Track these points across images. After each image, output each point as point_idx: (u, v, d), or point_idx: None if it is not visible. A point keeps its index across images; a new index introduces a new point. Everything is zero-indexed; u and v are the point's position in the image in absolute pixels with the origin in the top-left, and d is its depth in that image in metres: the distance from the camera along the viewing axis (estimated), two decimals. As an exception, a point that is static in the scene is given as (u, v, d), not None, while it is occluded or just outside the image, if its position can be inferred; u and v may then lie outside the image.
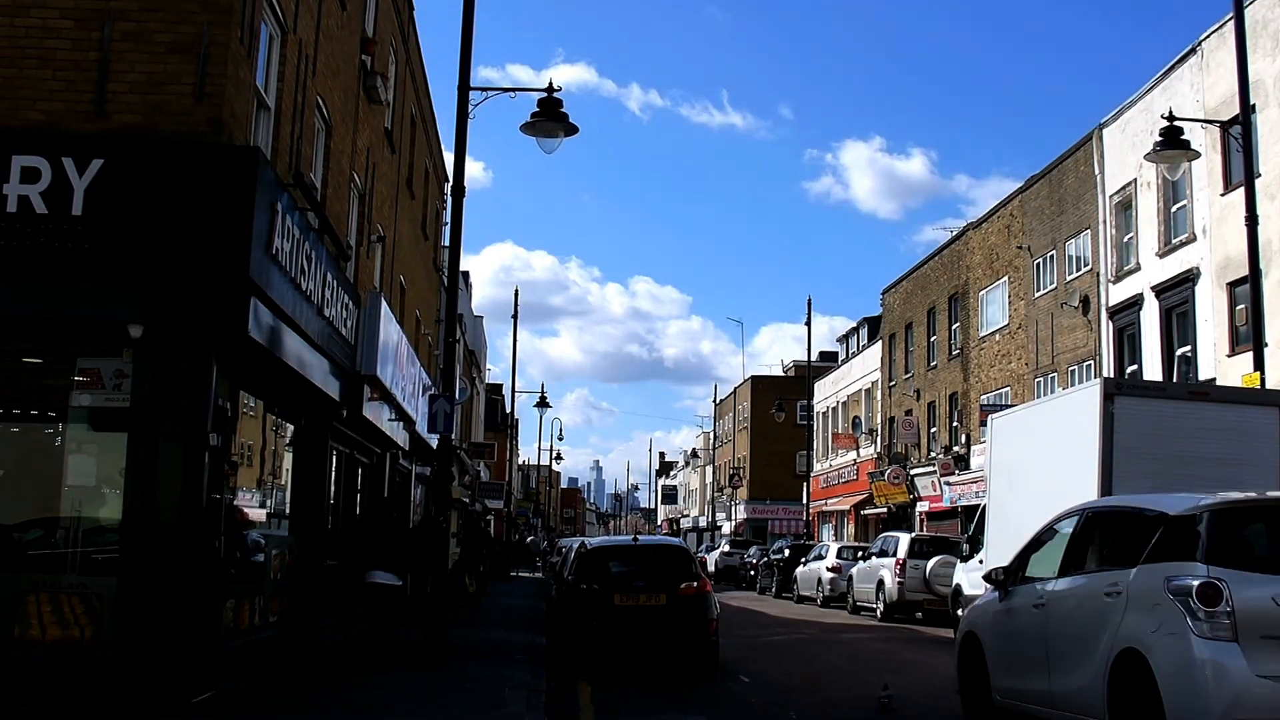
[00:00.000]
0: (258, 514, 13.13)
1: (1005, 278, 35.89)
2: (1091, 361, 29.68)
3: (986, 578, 11.37)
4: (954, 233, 42.12)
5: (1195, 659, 7.68)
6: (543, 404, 57.35)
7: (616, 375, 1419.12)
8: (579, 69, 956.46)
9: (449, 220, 16.69)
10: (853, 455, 51.83)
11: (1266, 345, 18.37)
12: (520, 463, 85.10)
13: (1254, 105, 20.66)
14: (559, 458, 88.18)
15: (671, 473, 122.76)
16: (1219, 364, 23.76)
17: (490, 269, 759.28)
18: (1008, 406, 28.56)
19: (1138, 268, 27.66)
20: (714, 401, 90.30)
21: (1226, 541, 8.21)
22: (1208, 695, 7.58)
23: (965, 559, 21.95)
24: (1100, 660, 8.57)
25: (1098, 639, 8.66)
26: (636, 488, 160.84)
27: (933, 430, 42.02)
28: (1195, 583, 7.81)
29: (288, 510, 14.22)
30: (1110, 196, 29.15)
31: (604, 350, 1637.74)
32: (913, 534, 30.15)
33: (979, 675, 10.72)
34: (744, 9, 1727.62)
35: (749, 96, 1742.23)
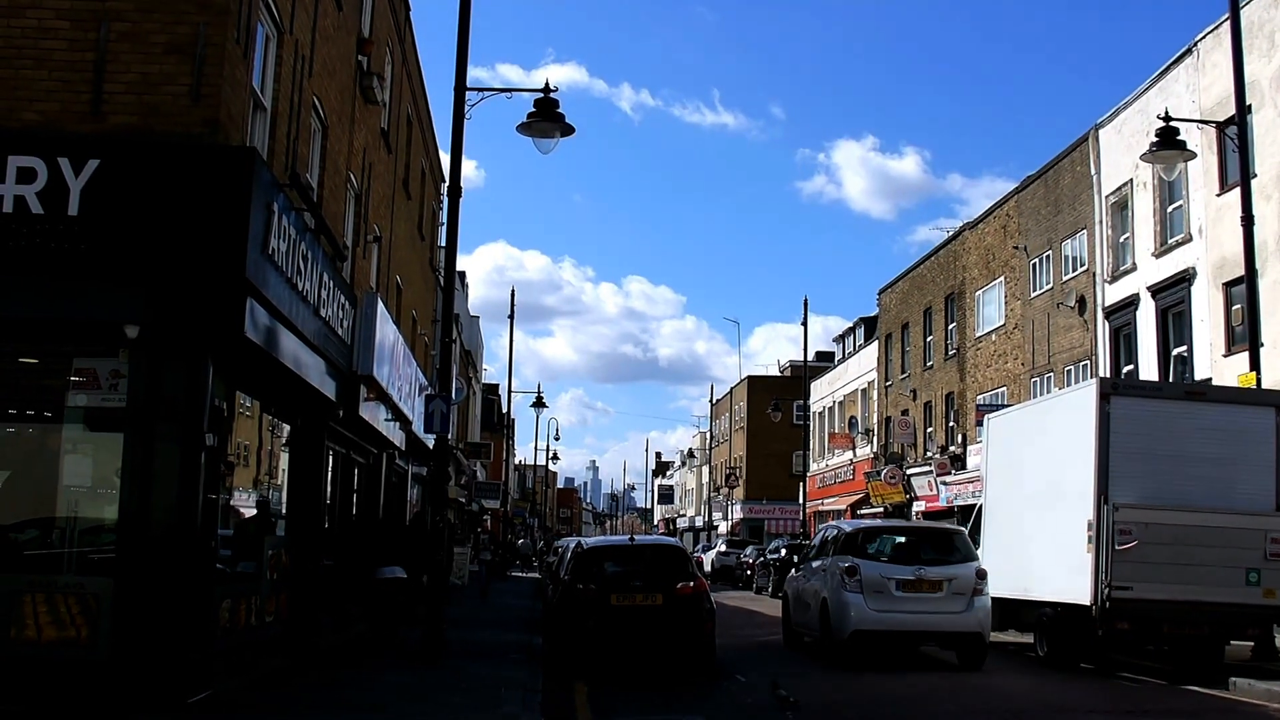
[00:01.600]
0: (254, 514, 13.13)
1: (1001, 278, 35.92)
2: (1088, 361, 29.71)
3: (787, 562, 24.50)
4: (949, 233, 42.15)
5: (844, 600, 16.12)
6: (539, 404, 57.31)
7: (611, 375, 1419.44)
8: (569, 69, 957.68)
9: (445, 220, 16.67)
10: (849, 455, 51.84)
11: (1262, 345, 18.40)
12: (517, 463, 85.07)
13: (1250, 106, 20.68)
14: (555, 458, 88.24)
15: (668, 473, 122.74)
16: (1215, 364, 23.79)
17: (483, 269, 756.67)
18: (1004, 406, 28.58)
19: (1134, 268, 27.69)
20: (710, 401, 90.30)
21: (865, 546, 17.08)
22: (848, 617, 16.00)
23: (961, 559, 21.94)
24: (817, 602, 17.13)
25: (818, 592, 17.24)
26: (633, 488, 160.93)
27: (929, 430, 42.05)
28: (846, 564, 16.42)
29: (284, 510, 14.21)
30: (1106, 197, 29.17)
31: (598, 350, 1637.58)
32: (909, 534, 30.14)
33: (788, 615, 19.43)
34: (732, 8, 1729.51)
35: (740, 96, 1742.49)
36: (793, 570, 20.06)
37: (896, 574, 16.29)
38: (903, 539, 17.91)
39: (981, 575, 16.46)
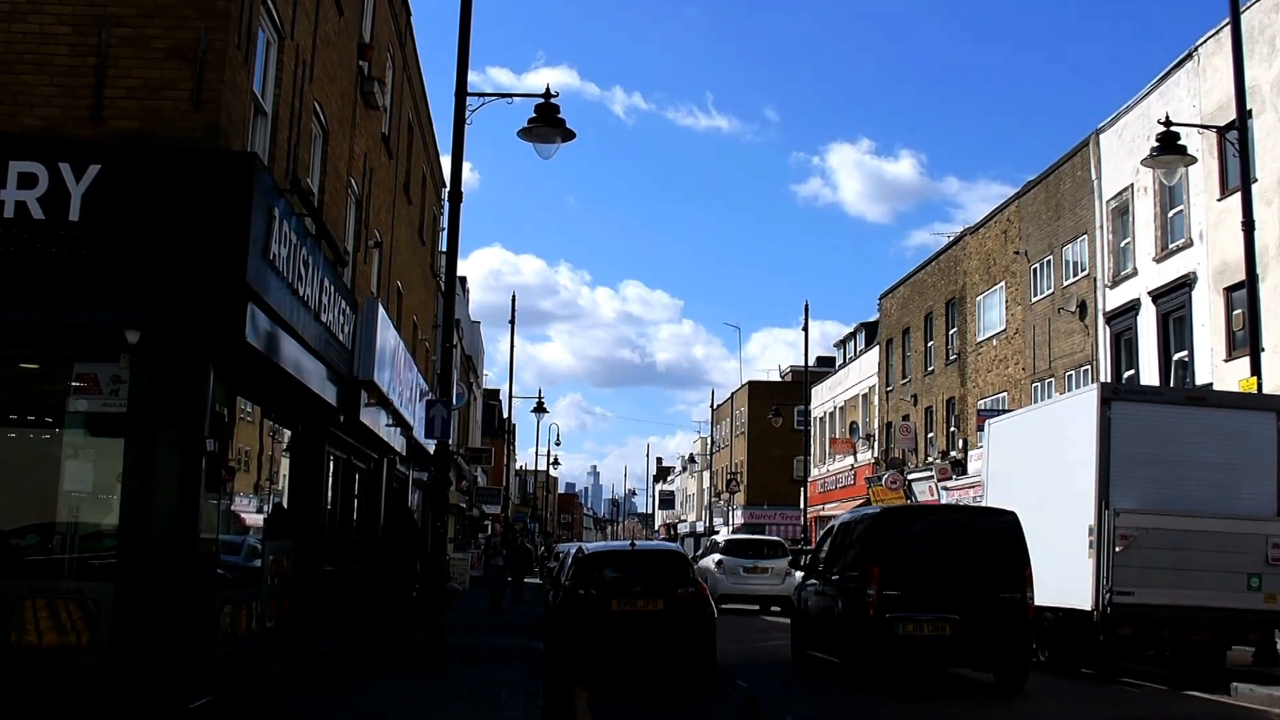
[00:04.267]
0: (255, 519, 13.12)
1: (1002, 283, 35.93)
2: (1089, 366, 29.70)
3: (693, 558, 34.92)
4: (949, 238, 42.19)
5: (717, 578, 29.66)
6: (540, 409, 57.28)
7: (609, 380, 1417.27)
8: (560, 72, 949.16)
9: (446, 225, 16.68)
10: (850, 460, 51.81)
11: (1263, 350, 18.41)
12: (518, 468, 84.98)
13: (1250, 110, 20.69)
14: (556, 463, 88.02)
15: (669, 478, 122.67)
16: (1216, 369, 23.79)
17: (480, 273, 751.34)
18: (1005, 412, 28.58)
19: (1135, 273, 27.69)
20: (711, 406, 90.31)
21: (732, 549, 31.62)
22: (719, 588, 28.59)
23: (962, 564, 21.97)
24: (705, 579, 22.53)
25: (704, 573, 27.59)
26: (634, 493, 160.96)
27: (930, 435, 42.03)
28: (718, 558, 31.23)
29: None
30: (1107, 202, 29.18)
31: (596, 355, 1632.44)
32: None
33: None
34: (722, 10, 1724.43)
35: (733, 99, 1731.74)
36: (698, 563, 31.97)
37: (744, 563, 30.44)
38: (752, 546, 32.14)
39: (791, 564, 26.27)
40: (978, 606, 14.22)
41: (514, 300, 53.63)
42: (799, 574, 23.97)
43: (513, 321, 52.41)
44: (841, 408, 55.62)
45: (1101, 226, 29.41)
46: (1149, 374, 26.62)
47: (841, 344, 62.31)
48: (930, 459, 40.93)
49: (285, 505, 13.90)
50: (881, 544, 14.77)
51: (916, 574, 14.41)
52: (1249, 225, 18.09)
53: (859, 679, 14.56)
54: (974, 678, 15.40)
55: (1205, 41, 25.16)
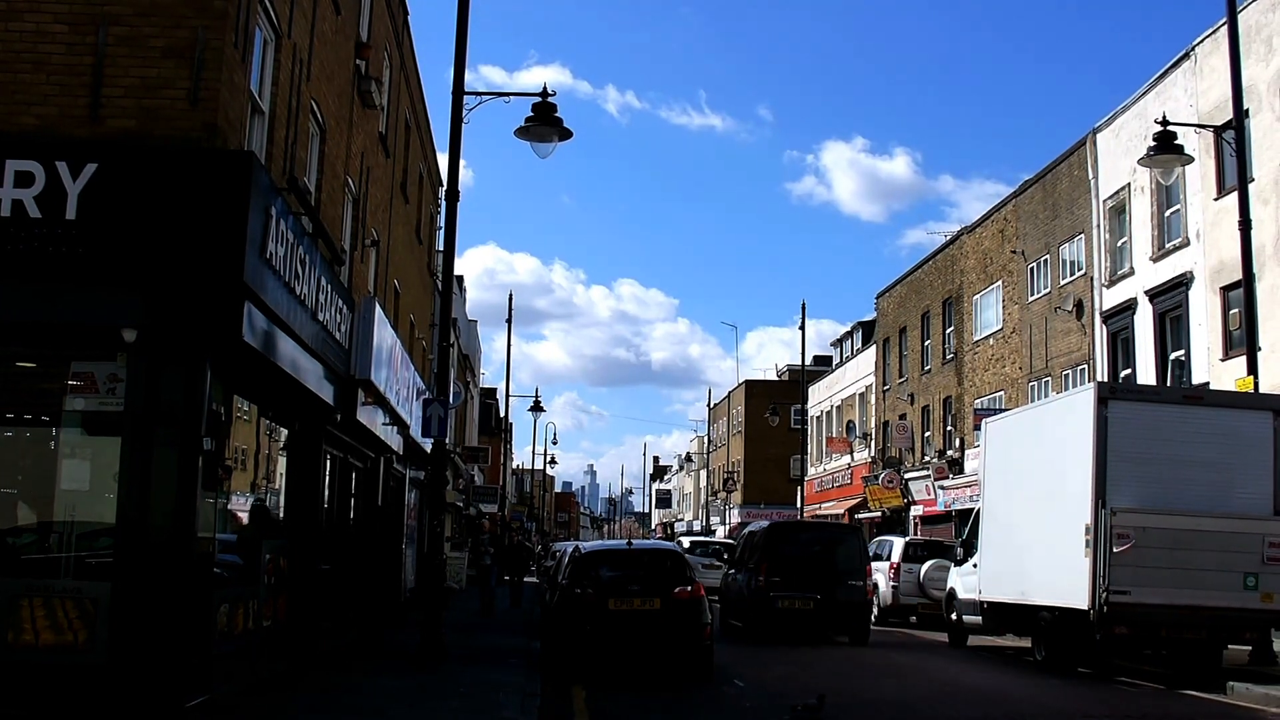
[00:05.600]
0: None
1: (999, 282, 35.94)
2: (1085, 366, 29.72)
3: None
4: (945, 237, 42.20)
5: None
6: (537, 408, 57.21)
7: (605, 379, 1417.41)
8: (553, 70, 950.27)
9: (443, 224, 16.67)
10: (847, 459, 51.82)
11: (1260, 349, 18.43)
12: (515, 467, 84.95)
13: (1247, 110, 20.71)
14: (553, 462, 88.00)
15: (665, 477, 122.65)
16: (1212, 368, 23.81)
17: (475, 272, 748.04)
18: (1002, 411, 28.61)
19: (1131, 272, 27.71)
20: (708, 405, 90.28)
21: (694, 549, 37.43)
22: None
23: (959, 563, 21.99)
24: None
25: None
26: (631, 492, 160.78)
27: (927, 434, 42.05)
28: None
29: (282, 514, 14.20)
30: (1104, 201, 29.20)
31: (592, 354, 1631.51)
32: (907, 538, 30.18)
33: None
34: (714, 8, 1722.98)
35: (727, 98, 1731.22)
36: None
37: (703, 561, 34.39)
38: (707, 546, 38.87)
39: (724, 561, 30.96)
40: (833, 589, 21.24)
41: (510, 299, 53.60)
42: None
43: (510, 320, 52.34)
44: (838, 407, 55.63)
45: (1098, 226, 29.42)
46: (1146, 373, 26.64)
47: (838, 343, 62.33)
48: (927, 458, 40.95)
49: (267, 503, 13.86)
50: (771, 547, 21.88)
51: (793, 567, 21.36)
52: (1246, 225, 18.10)
53: (753, 636, 21.43)
54: (837, 639, 21.45)
55: (1202, 41, 25.17)
